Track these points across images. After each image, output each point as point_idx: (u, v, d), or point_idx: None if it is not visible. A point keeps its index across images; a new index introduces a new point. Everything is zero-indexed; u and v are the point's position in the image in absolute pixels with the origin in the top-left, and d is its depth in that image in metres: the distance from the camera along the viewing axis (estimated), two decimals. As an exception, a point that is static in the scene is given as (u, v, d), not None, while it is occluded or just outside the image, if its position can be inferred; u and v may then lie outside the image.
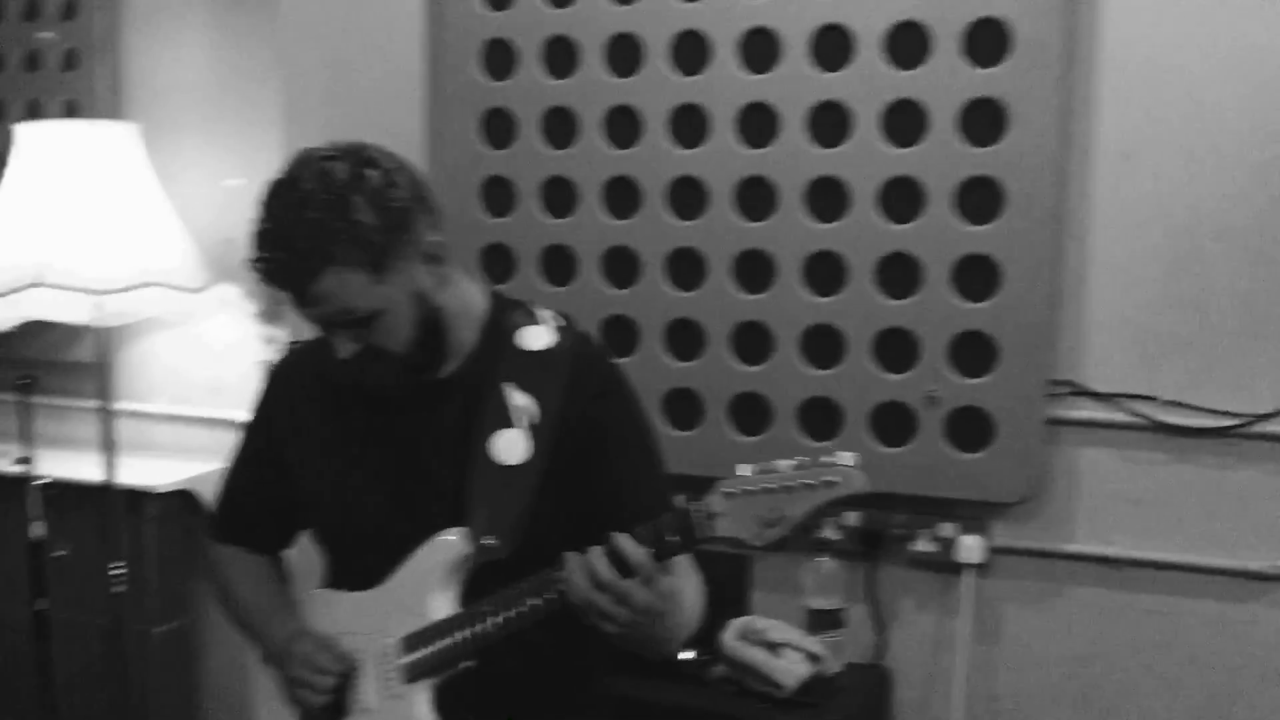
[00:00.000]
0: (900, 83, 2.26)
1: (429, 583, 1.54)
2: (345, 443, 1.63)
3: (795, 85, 2.33)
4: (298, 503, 1.68)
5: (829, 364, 2.38)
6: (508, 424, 1.54)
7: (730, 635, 2.27)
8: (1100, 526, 2.30)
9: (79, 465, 2.85)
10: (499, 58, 2.58)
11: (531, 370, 1.56)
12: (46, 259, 2.62)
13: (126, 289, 2.67)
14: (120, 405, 3.00)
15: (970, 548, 2.35)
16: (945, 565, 2.38)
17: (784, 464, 1.35)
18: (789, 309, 2.39)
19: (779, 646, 2.25)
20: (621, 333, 2.52)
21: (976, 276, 2.25)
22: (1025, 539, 2.35)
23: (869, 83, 2.28)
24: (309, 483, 1.65)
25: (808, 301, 2.38)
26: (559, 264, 2.58)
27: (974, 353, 2.27)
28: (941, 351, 2.29)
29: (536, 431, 1.53)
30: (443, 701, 1.53)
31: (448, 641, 1.51)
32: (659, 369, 2.49)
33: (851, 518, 2.40)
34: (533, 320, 1.62)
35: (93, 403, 2.90)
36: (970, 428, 2.29)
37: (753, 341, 2.43)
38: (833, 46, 2.31)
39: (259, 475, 1.72)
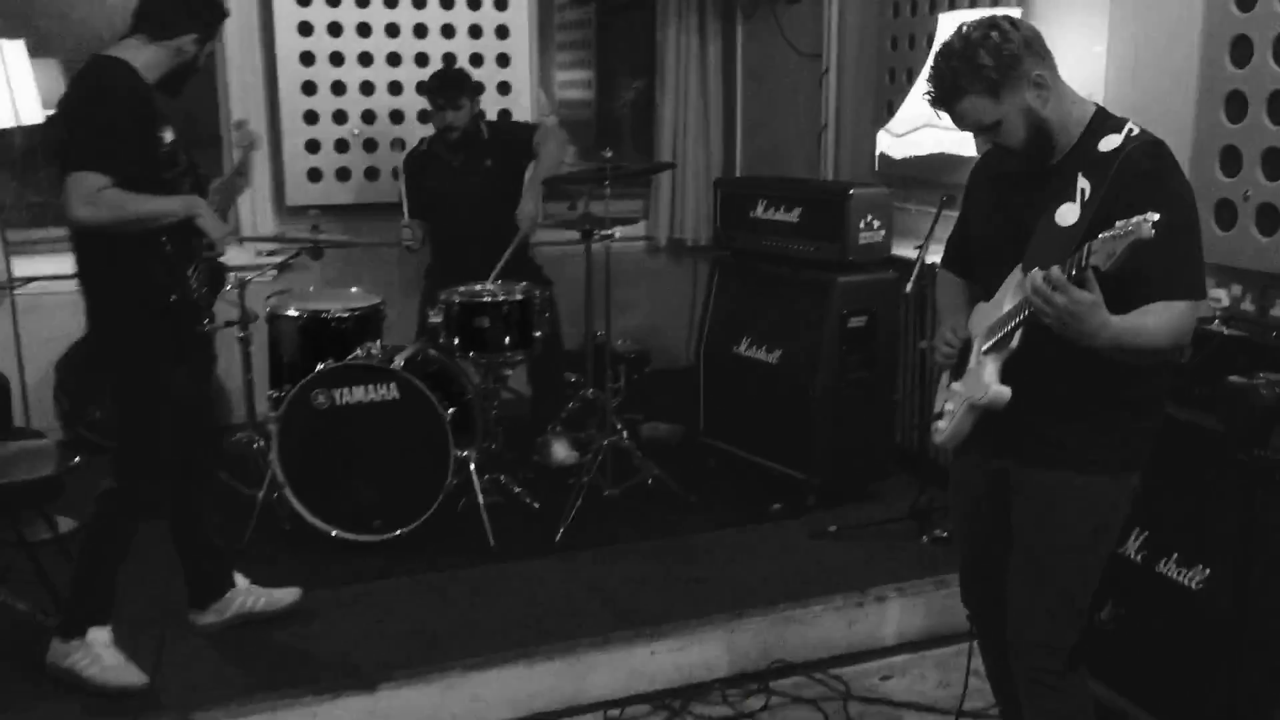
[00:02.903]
0: None
1: (1004, 297, 2.35)
2: (993, 207, 2.45)
3: None
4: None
5: None
6: (1071, 199, 2.23)
7: None
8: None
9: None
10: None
11: (1098, 163, 2.22)
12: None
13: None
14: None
15: None
16: None
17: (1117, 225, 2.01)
18: None
19: None
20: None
21: None
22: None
23: None
24: (974, 230, 2.54)
25: None
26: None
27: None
28: None
29: (1085, 205, 2.20)
30: (1006, 376, 2.31)
31: (1003, 329, 2.29)
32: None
33: None
34: (1116, 130, 2.25)
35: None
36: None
37: None
38: None
39: (962, 230, 2.62)
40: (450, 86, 4.69)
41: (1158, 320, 2.14)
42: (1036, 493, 2.36)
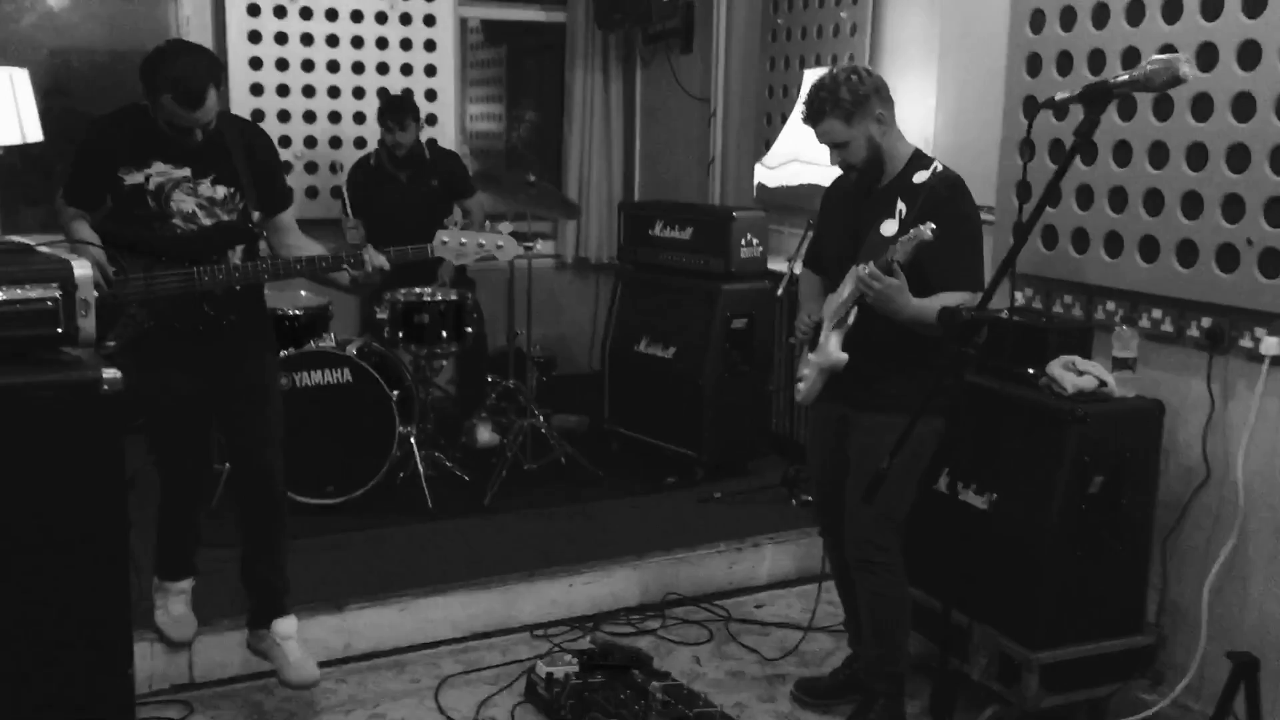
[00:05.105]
0: None
1: (844, 287, 3.13)
2: (838, 222, 3.28)
3: None
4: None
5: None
6: (891, 216, 3.07)
7: (1054, 363, 3.36)
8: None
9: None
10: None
11: (912, 191, 3.07)
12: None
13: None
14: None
15: (1270, 344, 3.22)
16: (1255, 356, 3.27)
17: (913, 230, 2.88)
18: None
19: (1083, 373, 3.32)
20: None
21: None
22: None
23: None
24: (824, 240, 3.38)
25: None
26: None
27: None
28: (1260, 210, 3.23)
29: (902, 221, 3.02)
30: (845, 345, 3.12)
31: (843, 308, 3.13)
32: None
33: (1205, 321, 3.40)
34: (926, 166, 3.12)
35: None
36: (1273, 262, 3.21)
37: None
38: None
39: (816, 239, 3.49)
40: (399, 110, 5.42)
41: (945, 302, 2.97)
42: (867, 429, 3.18)
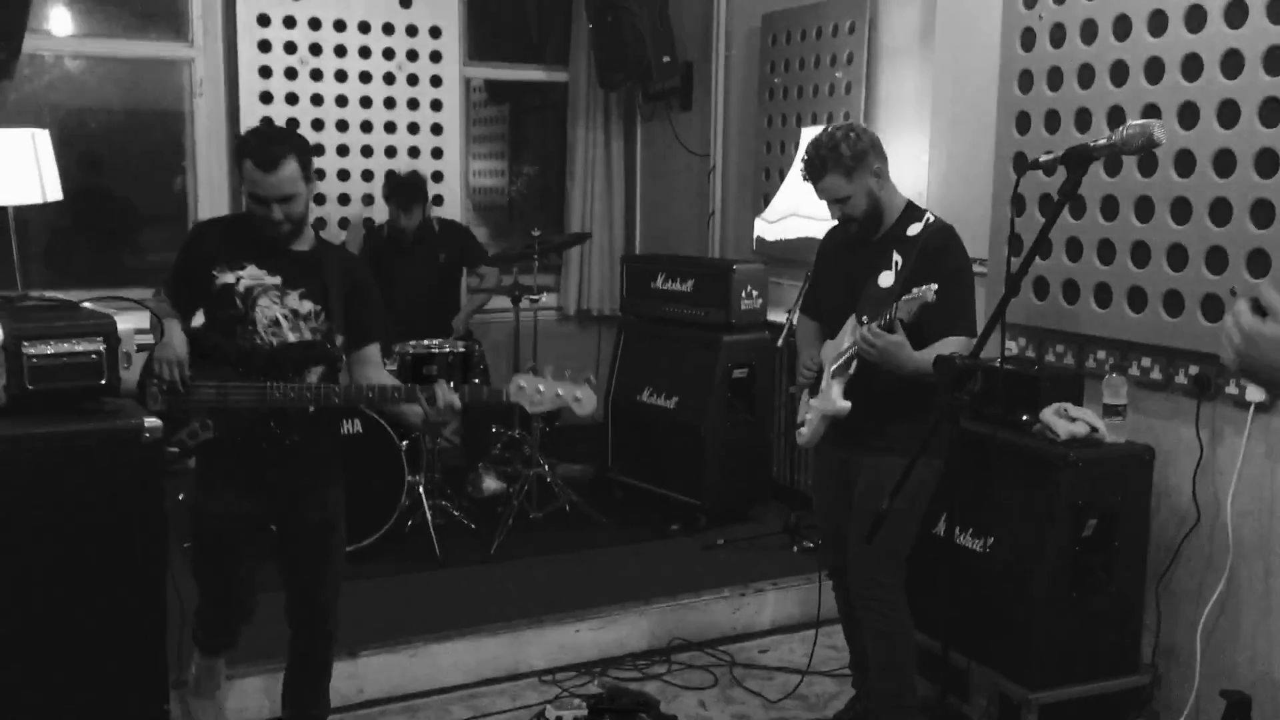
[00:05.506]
0: None
1: (844, 337, 3.29)
2: (836, 272, 3.46)
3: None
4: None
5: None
6: (888, 268, 3.24)
7: (1047, 410, 3.50)
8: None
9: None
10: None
11: (906, 243, 3.24)
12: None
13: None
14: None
15: (1254, 392, 3.35)
16: (1240, 403, 3.40)
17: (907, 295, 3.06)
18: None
19: (1075, 419, 3.46)
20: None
21: None
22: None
23: None
24: (822, 288, 3.57)
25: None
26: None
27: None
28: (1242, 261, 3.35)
29: (898, 273, 3.20)
30: (848, 393, 3.27)
31: (844, 359, 3.25)
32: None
33: (1193, 369, 3.51)
34: (918, 219, 3.28)
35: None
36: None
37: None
38: None
39: (814, 287, 3.66)
40: (404, 192, 5.58)
41: (942, 350, 3.09)
42: (871, 471, 3.29)
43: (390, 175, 5.95)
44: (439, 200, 6.32)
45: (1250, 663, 3.42)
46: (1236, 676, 3.40)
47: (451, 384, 3.14)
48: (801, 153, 3.41)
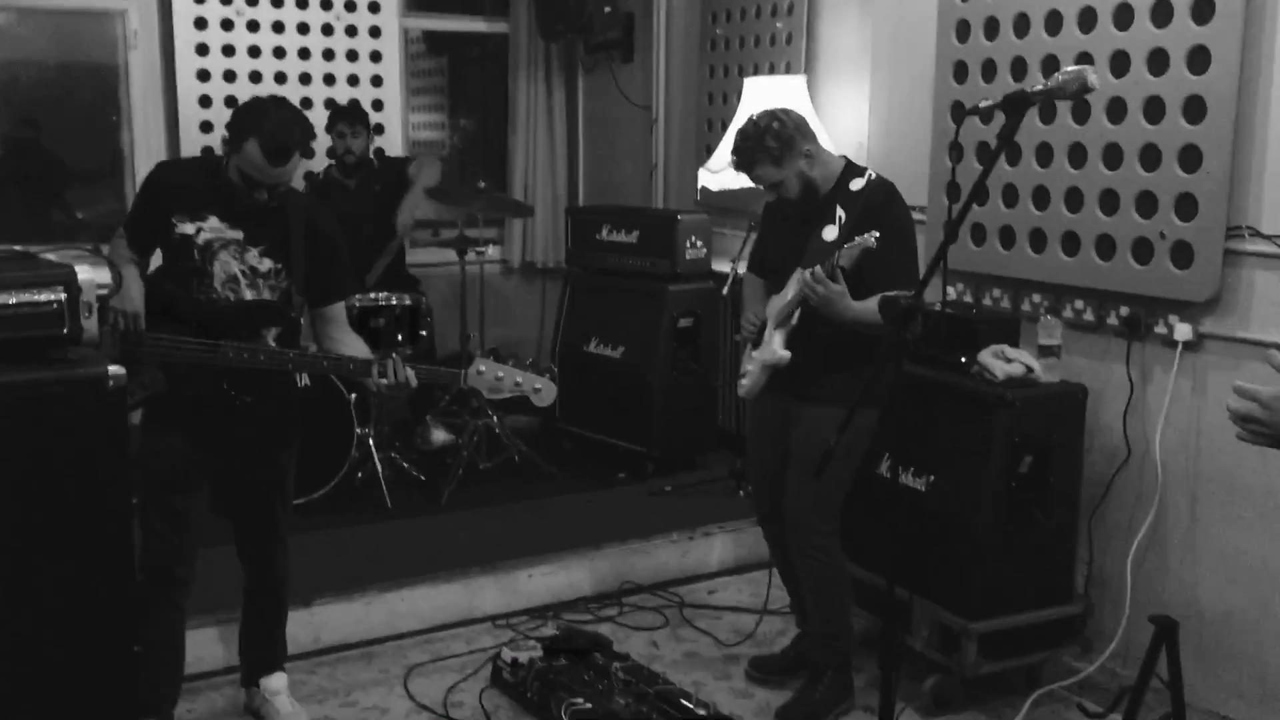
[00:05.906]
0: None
1: (788, 289, 3.34)
2: (782, 229, 3.50)
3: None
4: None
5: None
6: (832, 222, 3.29)
7: (984, 351, 3.59)
8: (1263, 322, 3.32)
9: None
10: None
11: (850, 198, 3.29)
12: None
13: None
14: None
15: (1182, 331, 3.48)
16: (1169, 342, 3.53)
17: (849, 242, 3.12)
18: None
19: (1011, 360, 3.55)
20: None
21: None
22: (1217, 329, 3.42)
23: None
24: (768, 246, 3.61)
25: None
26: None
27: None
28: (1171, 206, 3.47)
29: (841, 227, 3.26)
30: (789, 344, 3.33)
31: (786, 308, 3.31)
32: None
33: (1124, 310, 3.64)
34: (860, 175, 3.33)
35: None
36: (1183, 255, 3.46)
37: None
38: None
39: (761, 246, 3.67)
40: (352, 115, 5.54)
41: (869, 303, 3.16)
42: (809, 421, 3.38)
43: (330, 103, 5.98)
44: (380, 129, 6.29)
45: (1177, 590, 3.58)
46: (1165, 604, 3.56)
47: (405, 363, 3.07)
48: (730, 143, 3.47)
